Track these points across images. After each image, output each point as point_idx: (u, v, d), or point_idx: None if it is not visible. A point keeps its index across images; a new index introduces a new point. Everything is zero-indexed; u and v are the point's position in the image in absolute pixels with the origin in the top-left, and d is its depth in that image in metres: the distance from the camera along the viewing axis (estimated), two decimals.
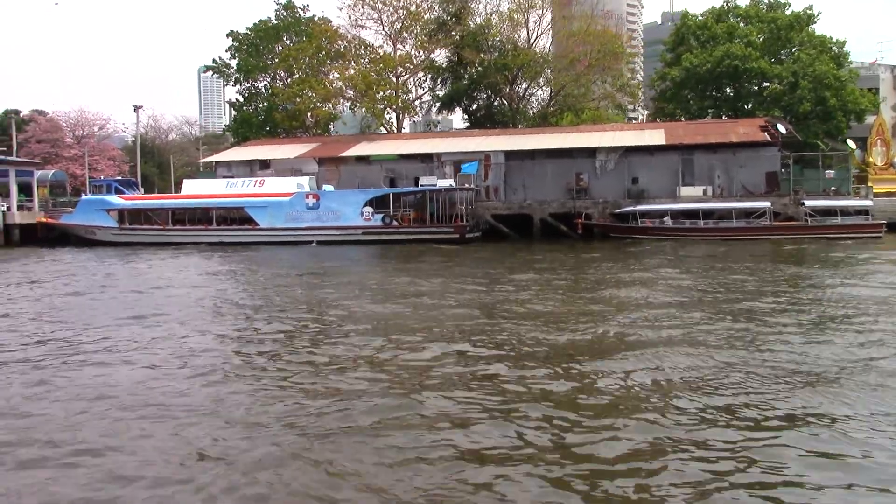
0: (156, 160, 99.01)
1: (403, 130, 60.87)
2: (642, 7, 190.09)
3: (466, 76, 60.52)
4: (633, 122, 67.58)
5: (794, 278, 21.67)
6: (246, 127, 61.03)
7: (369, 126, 63.70)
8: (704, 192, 42.94)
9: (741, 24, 54.97)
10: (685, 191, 43.06)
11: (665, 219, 40.58)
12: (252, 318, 16.18)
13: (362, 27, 58.48)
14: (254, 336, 14.07)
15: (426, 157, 47.83)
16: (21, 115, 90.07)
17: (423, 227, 42.04)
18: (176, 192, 70.16)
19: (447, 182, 43.71)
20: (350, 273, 26.94)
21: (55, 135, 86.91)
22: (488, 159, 46.42)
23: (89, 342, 13.33)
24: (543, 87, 59.19)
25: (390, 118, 60.45)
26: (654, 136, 46.04)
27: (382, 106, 57.43)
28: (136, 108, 65.19)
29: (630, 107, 64.71)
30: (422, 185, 43.29)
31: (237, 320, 16.10)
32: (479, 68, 57.54)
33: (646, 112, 63.31)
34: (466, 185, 43.27)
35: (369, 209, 42.32)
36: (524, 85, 59.28)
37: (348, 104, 59.02)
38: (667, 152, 44.43)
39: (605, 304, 17.08)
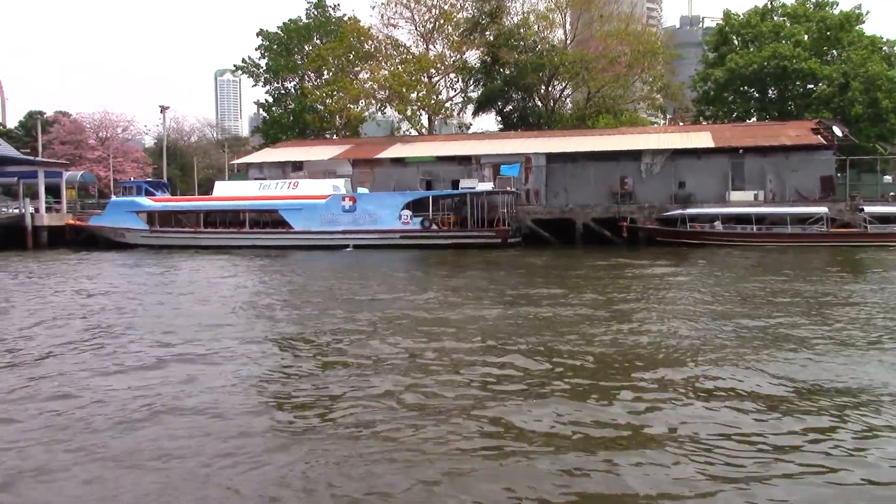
0: (178, 162, 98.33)
1: (434, 133, 59.49)
2: (661, 11, 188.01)
3: (500, 77, 59.10)
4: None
5: (862, 290, 19.86)
6: (276, 128, 59.80)
7: (398, 128, 62.51)
8: (756, 196, 41.28)
9: (787, 24, 53.16)
10: (735, 195, 41.40)
11: (715, 224, 38.86)
12: (315, 333, 14.79)
13: (394, 26, 57.24)
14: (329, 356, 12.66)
15: (464, 160, 46.45)
16: (44, 116, 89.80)
17: (464, 232, 40.62)
18: (199, 194, 69.40)
19: (488, 185, 42.32)
20: (395, 280, 25.49)
21: (79, 136, 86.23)
22: (528, 162, 44.92)
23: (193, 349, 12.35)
24: (581, 88, 57.54)
25: (420, 120, 59.17)
26: (701, 139, 44.40)
27: (415, 107, 56.09)
28: (163, 109, 64.22)
29: (666, 109, 62.89)
30: (462, 188, 41.85)
31: (299, 325, 14.73)
32: (514, 69, 56.07)
33: (675, 113, 61.29)
34: (508, 188, 41.86)
35: (408, 212, 40.97)
36: (560, 86, 57.77)
37: (378, 105, 57.58)
38: (715, 155, 42.79)
39: (675, 316, 15.47)
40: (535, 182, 45.18)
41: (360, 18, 57.74)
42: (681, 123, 55.67)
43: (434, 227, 40.68)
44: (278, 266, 31.62)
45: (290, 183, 43.86)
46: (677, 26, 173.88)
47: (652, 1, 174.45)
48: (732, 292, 19.37)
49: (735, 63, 51.33)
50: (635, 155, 43.84)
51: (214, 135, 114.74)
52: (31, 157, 49.35)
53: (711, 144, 43.04)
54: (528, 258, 33.86)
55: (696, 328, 13.86)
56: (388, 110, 58.71)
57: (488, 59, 58.63)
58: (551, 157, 45.03)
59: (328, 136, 60.09)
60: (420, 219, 40.73)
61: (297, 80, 62.16)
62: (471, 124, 61.52)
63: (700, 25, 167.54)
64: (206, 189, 79.63)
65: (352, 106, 54.93)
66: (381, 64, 58.56)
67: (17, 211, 49.20)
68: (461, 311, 16.50)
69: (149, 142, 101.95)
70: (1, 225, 45.05)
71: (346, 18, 61.63)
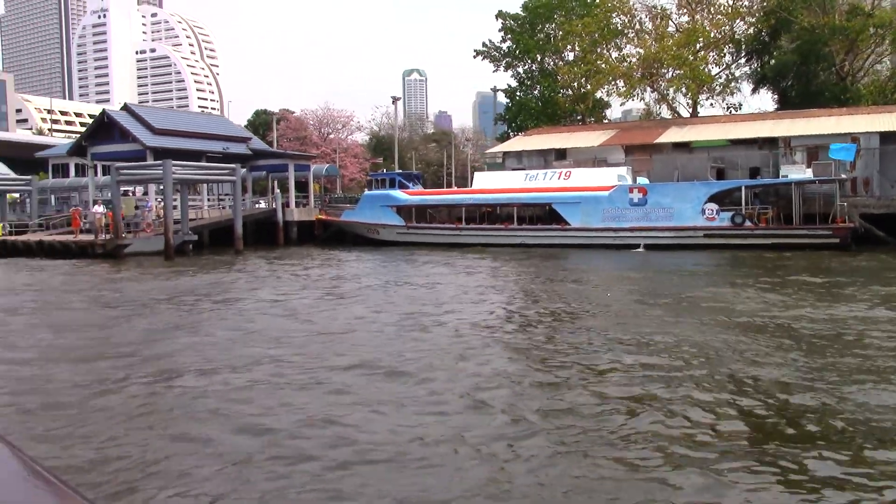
0: (393, 157, 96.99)
1: (700, 114, 51.60)
2: None
3: (776, 49, 50.17)
4: None
5: None
6: (524, 114, 54.62)
7: (650, 112, 55.23)
8: None
9: None
10: None
11: None
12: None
13: None
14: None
15: (767, 143, 38.54)
16: (270, 113, 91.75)
17: (788, 230, 32.91)
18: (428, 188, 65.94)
19: (806, 172, 34.28)
20: (759, 292, 18.67)
21: (303, 133, 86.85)
22: (856, 143, 36.16)
23: None
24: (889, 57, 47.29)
25: (677, 101, 51.76)
26: None
27: (681, 86, 48.68)
28: (395, 100, 61.61)
29: None
30: (785, 177, 34.13)
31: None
32: (803, 36, 46.91)
33: None
34: (842, 176, 33.63)
35: (713, 206, 33.96)
36: (866, 53, 47.79)
37: (639, 85, 50.56)
38: None
39: None
40: (866, 169, 36.38)
41: None
42: None
43: (748, 223, 33.34)
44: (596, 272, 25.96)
45: (560, 173, 38.28)
46: None
47: None
48: None
49: None
50: None
51: (425, 129, 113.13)
52: (283, 151, 47.53)
53: None
54: (877, 264, 25.93)
55: None
56: (646, 92, 51.66)
57: (764, 28, 49.84)
58: (886, 138, 36.01)
59: (573, 120, 54.15)
60: (730, 214, 33.58)
61: (537, 62, 56.61)
62: (740, 105, 52.89)
63: None
64: (433, 183, 77.22)
65: (616, 84, 48.36)
66: (639, 39, 51.68)
67: (263, 205, 47.81)
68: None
69: (360, 138, 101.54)
70: (254, 220, 43.33)
71: None
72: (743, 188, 34.06)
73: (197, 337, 13.62)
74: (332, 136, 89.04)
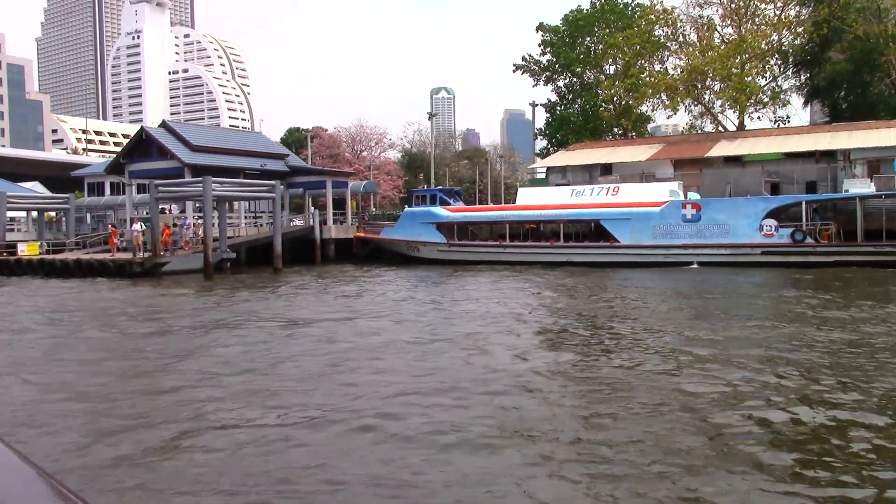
0: (426, 174, 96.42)
1: (746, 128, 50.01)
2: None
3: (827, 61, 48.52)
4: None
5: None
6: (566, 129, 53.35)
7: (692, 126, 53.71)
8: None
9: None
10: None
11: None
12: None
13: (703, 4, 48.62)
14: None
15: (824, 156, 36.95)
16: (303, 131, 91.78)
17: (853, 246, 31.27)
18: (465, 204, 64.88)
19: (868, 186, 32.64)
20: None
21: (336, 150, 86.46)
22: None
23: None
24: None
25: (730, 113, 50.21)
26: None
27: (728, 99, 47.19)
28: (431, 116, 60.73)
29: None
30: (846, 191, 32.55)
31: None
32: (857, 46, 45.28)
33: None
34: None
35: (771, 222, 32.43)
36: None
37: (685, 98, 49.10)
38: None
39: None
40: None
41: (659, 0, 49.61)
42: None
43: (810, 240, 31.76)
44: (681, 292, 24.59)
45: (608, 188, 36.97)
46: None
47: None
48: None
49: None
50: None
51: (456, 147, 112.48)
52: (321, 167, 46.87)
53: None
54: None
55: None
56: (692, 105, 50.19)
57: (814, 38, 48.25)
58: None
59: (615, 135, 52.88)
60: (790, 230, 32.03)
61: (577, 76, 55.41)
62: (788, 118, 51.16)
63: None
64: (465, 200, 75.91)
65: (661, 98, 46.96)
66: (682, 51, 50.39)
67: (299, 223, 47.10)
68: None
69: (392, 155, 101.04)
70: (291, 237, 42.54)
71: (635, 3, 54.08)
72: (803, 203, 32.49)
73: (289, 371, 12.35)
74: (364, 153, 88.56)
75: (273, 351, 13.94)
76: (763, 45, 48.61)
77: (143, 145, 41.48)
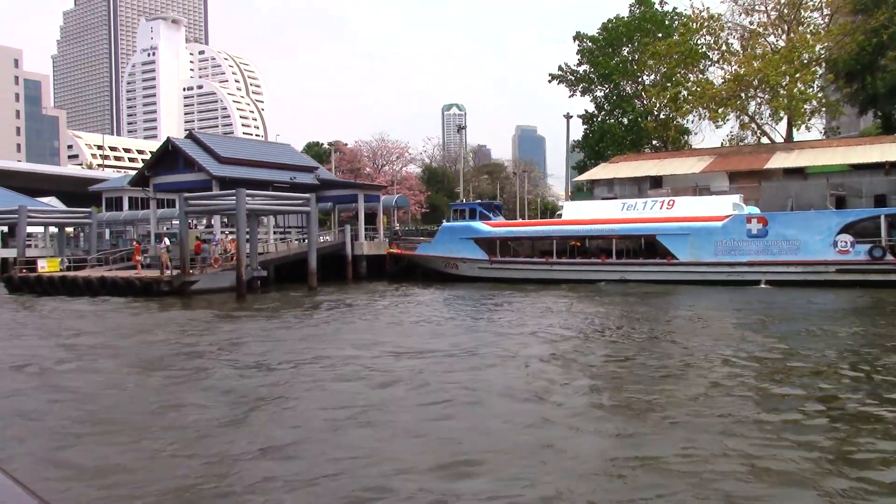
0: (445, 189, 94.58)
1: (794, 139, 47.72)
2: None
3: (888, 66, 46.27)
4: None
5: None
6: (607, 140, 51.06)
7: (736, 138, 51.46)
8: None
9: None
10: None
11: None
12: None
13: (750, 11, 46.46)
14: None
15: (894, 167, 34.64)
16: (322, 146, 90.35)
17: None
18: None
19: None
20: None
21: (356, 164, 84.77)
22: None
23: None
24: None
25: (776, 124, 47.97)
26: None
27: (786, 106, 44.80)
28: (460, 129, 58.84)
29: None
30: None
31: None
32: None
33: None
34: None
35: (847, 237, 30.04)
36: None
37: (736, 108, 46.76)
38: None
39: None
40: None
41: (703, 7, 47.49)
42: None
43: (890, 257, 29.36)
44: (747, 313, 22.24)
45: (663, 202, 34.70)
46: None
47: None
48: None
49: None
50: None
51: (471, 161, 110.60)
52: (353, 181, 44.85)
53: None
54: None
55: None
56: (737, 116, 47.95)
57: (868, 46, 45.99)
58: None
59: (653, 147, 50.69)
60: (868, 247, 29.65)
61: (615, 86, 53.24)
62: (838, 128, 48.80)
63: None
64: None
65: (711, 108, 44.64)
66: (724, 60, 48.26)
67: (327, 238, 45.00)
68: None
69: (413, 169, 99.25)
70: (321, 254, 40.44)
71: (676, 10, 52.05)
72: (882, 217, 30.10)
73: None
74: (385, 167, 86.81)
75: (371, 405, 11.37)
76: (819, 50, 46.41)
77: (169, 157, 39.61)
